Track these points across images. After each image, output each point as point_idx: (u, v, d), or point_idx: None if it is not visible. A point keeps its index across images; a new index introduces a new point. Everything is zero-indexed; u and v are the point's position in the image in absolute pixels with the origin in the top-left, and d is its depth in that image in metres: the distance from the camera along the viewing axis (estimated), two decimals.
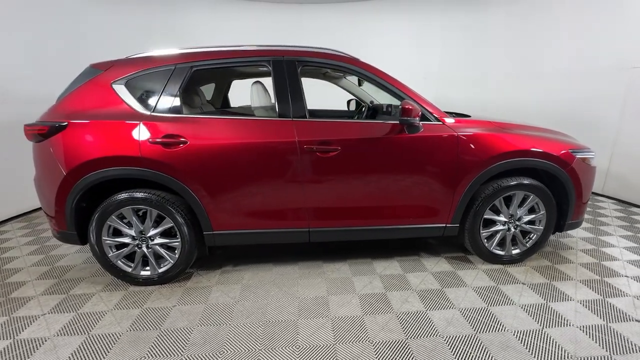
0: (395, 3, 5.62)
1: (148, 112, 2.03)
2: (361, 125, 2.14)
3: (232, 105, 3.49)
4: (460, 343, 1.67)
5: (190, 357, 1.59)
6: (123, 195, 2.02)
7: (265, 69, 2.19)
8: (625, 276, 2.26)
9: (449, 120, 2.18)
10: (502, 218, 2.32)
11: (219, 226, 2.15)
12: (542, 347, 1.64)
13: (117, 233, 2.16)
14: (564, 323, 1.81)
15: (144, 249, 2.15)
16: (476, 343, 1.67)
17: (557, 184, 2.30)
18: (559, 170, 2.23)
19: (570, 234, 2.94)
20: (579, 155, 2.27)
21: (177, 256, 2.17)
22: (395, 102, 2.51)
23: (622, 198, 3.81)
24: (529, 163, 2.20)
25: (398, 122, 2.09)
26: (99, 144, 1.97)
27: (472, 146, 2.15)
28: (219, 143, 2.03)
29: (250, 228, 2.19)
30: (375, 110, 2.97)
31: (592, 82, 3.85)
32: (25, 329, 1.81)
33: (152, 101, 2.07)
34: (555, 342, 1.66)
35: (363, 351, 1.62)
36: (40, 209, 3.84)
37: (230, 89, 3.47)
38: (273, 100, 2.21)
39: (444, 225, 2.29)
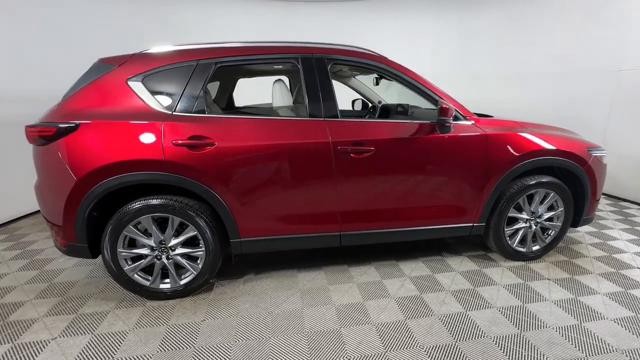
0: (387, 3, 5.65)
1: (169, 112, 1.87)
2: (394, 125, 2.09)
3: (235, 104, 3.33)
4: (509, 343, 1.67)
5: None
6: (142, 203, 1.85)
7: (291, 66, 2.09)
8: (638, 267, 2.38)
9: (485, 120, 2.20)
10: (524, 216, 2.37)
11: (246, 232, 2.03)
12: (586, 341, 1.67)
13: (132, 244, 1.98)
14: (598, 317, 1.86)
15: (164, 259, 1.98)
16: (524, 342, 1.67)
17: (573, 181, 2.38)
18: (578, 168, 2.30)
19: (576, 229, 3.07)
20: (594, 153, 2.36)
21: (200, 266, 2.02)
22: (412, 101, 2.51)
23: (611, 193, 4.06)
24: (552, 161, 2.26)
25: (432, 122, 2.08)
26: (116, 146, 1.78)
27: (501, 146, 2.17)
28: (248, 144, 1.90)
29: (280, 234, 2.08)
30: (386, 110, 2.95)
31: (582, 84, 4.07)
32: (36, 357, 1.60)
33: (173, 100, 1.90)
34: (597, 336, 1.70)
35: (417, 358, 1.58)
36: (22, 218, 3.48)
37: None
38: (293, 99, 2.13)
39: (472, 224, 2.31)
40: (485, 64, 5.32)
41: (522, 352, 1.60)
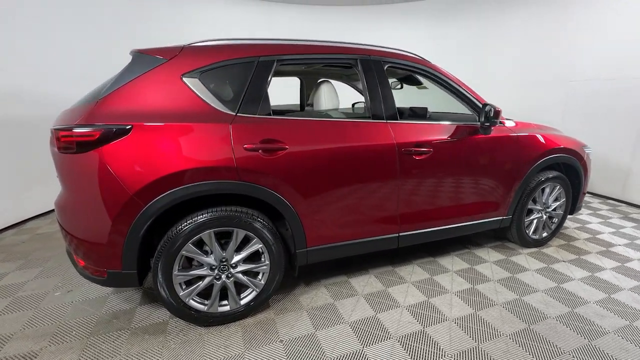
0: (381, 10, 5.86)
1: (232, 113, 1.68)
2: (445, 127, 2.18)
3: None
4: (569, 319, 1.87)
5: None
6: (206, 216, 1.62)
7: (349, 67, 2.05)
8: (619, 245, 2.87)
9: (509, 123, 2.42)
10: (538, 207, 2.68)
11: (313, 241, 1.91)
12: (621, 309, 1.96)
13: (187, 265, 1.72)
14: (616, 288, 2.19)
15: (224, 279, 1.76)
16: (579, 317, 1.89)
17: (572, 175, 2.76)
18: (577, 163, 2.69)
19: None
20: (586, 150, 2.78)
21: (263, 282, 1.84)
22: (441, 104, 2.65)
23: None
24: (561, 158, 2.59)
25: (474, 123, 2.23)
26: (180, 152, 1.53)
27: (527, 145, 2.42)
28: (319, 147, 1.81)
29: (344, 240, 2.00)
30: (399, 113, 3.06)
31: (540, 92, 4.75)
32: None
33: (235, 99, 1.71)
34: (626, 304, 2.01)
35: (506, 343, 1.67)
36: None
37: None
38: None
39: (502, 218, 2.52)
40: (456, 70, 5.84)
41: (581, 326, 1.81)
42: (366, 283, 2.24)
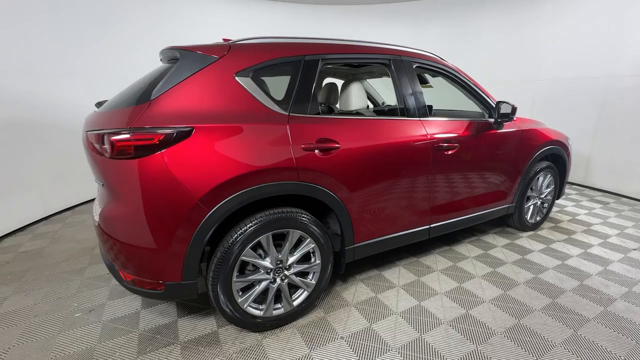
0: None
1: (286, 113, 1.65)
2: (467, 123, 2.33)
3: None
4: (584, 292, 2.12)
5: None
6: (266, 219, 1.58)
7: (381, 67, 2.11)
8: (596, 224, 3.28)
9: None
10: (534, 194, 2.97)
11: (360, 238, 1.95)
12: (620, 279, 2.26)
13: (241, 270, 1.66)
14: (608, 262, 2.52)
15: (278, 281, 1.73)
16: (589, 289, 2.15)
17: (559, 164, 3.10)
18: (564, 154, 3.02)
19: None
20: (569, 142, 3.14)
21: (314, 282, 1.84)
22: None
23: None
24: (553, 150, 2.90)
25: (488, 120, 2.42)
26: (245, 154, 1.48)
27: (529, 138, 2.68)
28: (366, 145, 1.85)
29: (385, 234, 2.07)
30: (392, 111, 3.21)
31: (510, 90, 5.21)
32: None
33: (286, 99, 1.69)
34: (621, 274, 2.33)
35: (543, 320, 1.87)
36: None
37: None
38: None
39: (508, 205, 2.76)
40: None
41: (593, 295, 2.07)
42: (398, 274, 2.33)
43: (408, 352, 1.62)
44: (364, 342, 1.69)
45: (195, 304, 1.99)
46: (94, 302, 2.03)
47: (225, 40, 1.91)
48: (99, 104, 1.95)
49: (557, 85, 4.68)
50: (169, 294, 1.51)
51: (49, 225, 3.30)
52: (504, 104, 2.39)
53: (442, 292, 2.12)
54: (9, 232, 3.05)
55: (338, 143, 1.73)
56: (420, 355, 1.60)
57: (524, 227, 3.01)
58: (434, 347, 1.65)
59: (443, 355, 1.60)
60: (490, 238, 2.94)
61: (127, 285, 1.54)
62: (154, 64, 1.92)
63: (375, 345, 1.67)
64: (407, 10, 5.98)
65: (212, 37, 4.94)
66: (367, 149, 1.85)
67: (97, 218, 1.59)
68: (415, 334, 1.74)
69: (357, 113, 2.16)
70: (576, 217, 3.46)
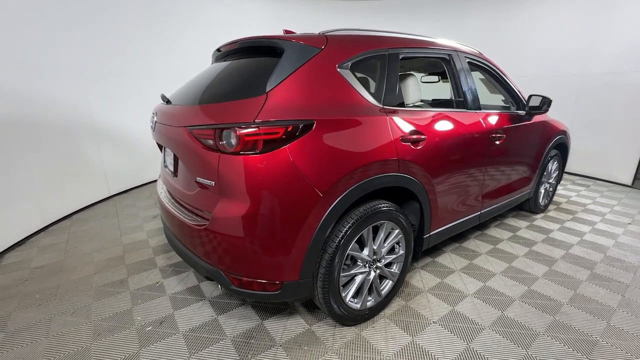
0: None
1: (380, 105, 1.66)
2: (508, 115, 2.51)
3: None
4: (615, 262, 2.42)
5: None
6: (368, 212, 1.58)
7: (437, 62, 2.19)
8: (588, 204, 3.72)
9: None
10: (545, 179, 3.29)
11: (435, 226, 2.03)
12: (633, 250, 2.61)
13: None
14: (616, 235, 2.89)
15: (373, 273, 1.75)
16: (615, 260, 2.46)
17: (563, 151, 3.44)
18: (567, 142, 3.37)
19: None
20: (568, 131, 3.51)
21: (398, 271, 1.89)
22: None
23: None
24: (562, 139, 3.22)
25: (519, 112, 2.63)
26: (359, 146, 1.47)
27: (548, 128, 2.96)
28: (445, 136, 1.92)
29: (450, 222, 2.17)
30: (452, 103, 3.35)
31: None
32: None
33: (377, 91, 1.69)
34: (631, 245, 2.69)
35: (593, 288, 2.10)
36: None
37: None
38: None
39: (529, 190, 3.02)
40: None
41: (619, 264, 2.38)
42: (451, 260, 2.46)
43: (499, 328, 1.73)
44: (456, 324, 1.77)
45: (270, 304, 1.92)
46: (159, 314, 1.87)
47: (286, 31, 1.86)
48: (165, 98, 1.78)
49: (538, 82, 5.17)
50: (285, 294, 1.45)
51: (52, 236, 2.92)
52: (534, 96, 2.61)
53: (498, 273, 2.28)
54: (7, 247, 2.66)
55: (423, 134, 1.78)
56: (512, 330, 1.72)
57: (537, 209, 3.32)
58: (518, 320, 1.79)
59: (530, 326, 1.74)
60: (512, 221, 3.20)
61: (236, 289, 1.45)
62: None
63: (468, 325, 1.76)
64: (388, 6, 6.16)
65: (211, 34, 4.68)
66: (446, 139, 1.93)
67: (176, 228, 1.48)
68: (496, 312, 1.87)
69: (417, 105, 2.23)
70: (570, 199, 3.89)
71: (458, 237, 2.82)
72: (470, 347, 1.61)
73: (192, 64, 3.91)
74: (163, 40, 4.33)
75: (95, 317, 1.85)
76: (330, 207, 1.40)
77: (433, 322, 1.78)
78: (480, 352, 1.58)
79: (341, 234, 1.50)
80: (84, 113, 3.46)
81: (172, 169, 1.78)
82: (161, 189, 2.02)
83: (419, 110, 1.86)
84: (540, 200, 3.31)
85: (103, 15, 3.58)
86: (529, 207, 3.30)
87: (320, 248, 1.44)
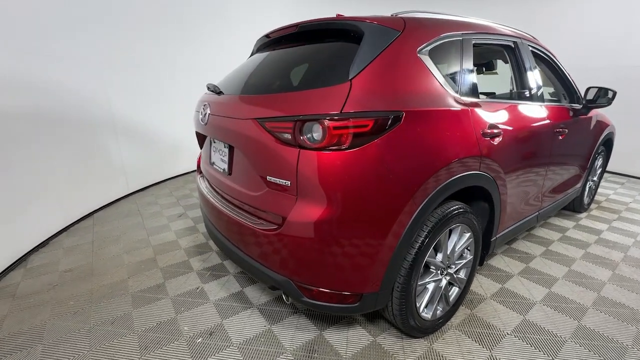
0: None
1: (457, 95, 1.49)
2: (568, 108, 2.34)
3: None
4: None
5: None
6: (447, 215, 1.42)
7: (500, 50, 2.01)
8: (631, 202, 3.56)
9: None
10: (590, 177, 3.12)
11: (501, 228, 1.87)
12: None
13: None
14: None
15: (444, 281, 1.60)
16: None
17: (608, 147, 3.27)
18: (613, 138, 3.20)
19: None
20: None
21: (465, 278, 1.74)
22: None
23: None
24: (610, 135, 3.05)
25: (577, 105, 2.46)
26: (447, 141, 1.32)
27: (599, 123, 2.79)
28: (519, 131, 1.77)
29: (514, 223, 2.02)
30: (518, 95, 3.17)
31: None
32: None
33: (454, 80, 1.52)
34: None
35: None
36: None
37: None
38: None
39: (578, 187, 2.86)
40: None
41: None
42: (506, 263, 2.30)
43: (581, 340, 1.59)
44: (533, 336, 1.62)
45: (326, 313, 1.78)
46: (207, 324, 1.72)
47: (339, 15, 1.69)
48: (215, 87, 1.62)
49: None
50: (363, 307, 1.30)
51: (75, 236, 2.77)
52: (592, 88, 2.44)
53: (560, 277, 2.13)
54: (31, 248, 2.51)
55: (498, 128, 1.62)
56: (596, 343, 1.58)
57: (581, 208, 3.16)
58: (599, 331, 1.65)
59: (614, 338, 1.59)
60: (557, 221, 3.05)
61: (307, 301, 1.30)
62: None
63: (547, 337, 1.62)
64: None
65: (234, 27, 4.46)
66: (519, 134, 1.77)
67: (232, 232, 1.36)
68: (572, 321, 1.72)
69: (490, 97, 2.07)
70: (609, 197, 3.74)
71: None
72: None
73: (210, 56, 3.72)
74: (187, 33, 4.14)
75: (138, 327, 1.70)
76: (417, 210, 1.25)
77: (507, 334, 1.64)
78: None
79: (421, 239, 1.35)
80: (103, 106, 3.29)
81: (224, 166, 1.62)
82: (205, 188, 1.86)
83: (495, 102, 1.70)
84: (584, 198, 3.15)
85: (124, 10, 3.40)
86: (574, 206, 3.15)
87: (403, 255, 1.29)
